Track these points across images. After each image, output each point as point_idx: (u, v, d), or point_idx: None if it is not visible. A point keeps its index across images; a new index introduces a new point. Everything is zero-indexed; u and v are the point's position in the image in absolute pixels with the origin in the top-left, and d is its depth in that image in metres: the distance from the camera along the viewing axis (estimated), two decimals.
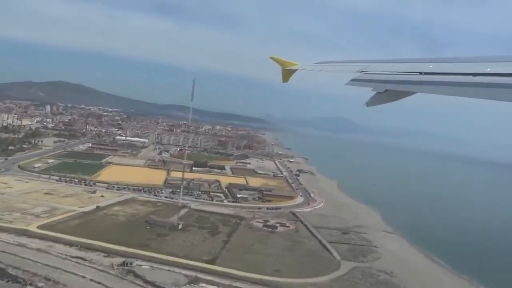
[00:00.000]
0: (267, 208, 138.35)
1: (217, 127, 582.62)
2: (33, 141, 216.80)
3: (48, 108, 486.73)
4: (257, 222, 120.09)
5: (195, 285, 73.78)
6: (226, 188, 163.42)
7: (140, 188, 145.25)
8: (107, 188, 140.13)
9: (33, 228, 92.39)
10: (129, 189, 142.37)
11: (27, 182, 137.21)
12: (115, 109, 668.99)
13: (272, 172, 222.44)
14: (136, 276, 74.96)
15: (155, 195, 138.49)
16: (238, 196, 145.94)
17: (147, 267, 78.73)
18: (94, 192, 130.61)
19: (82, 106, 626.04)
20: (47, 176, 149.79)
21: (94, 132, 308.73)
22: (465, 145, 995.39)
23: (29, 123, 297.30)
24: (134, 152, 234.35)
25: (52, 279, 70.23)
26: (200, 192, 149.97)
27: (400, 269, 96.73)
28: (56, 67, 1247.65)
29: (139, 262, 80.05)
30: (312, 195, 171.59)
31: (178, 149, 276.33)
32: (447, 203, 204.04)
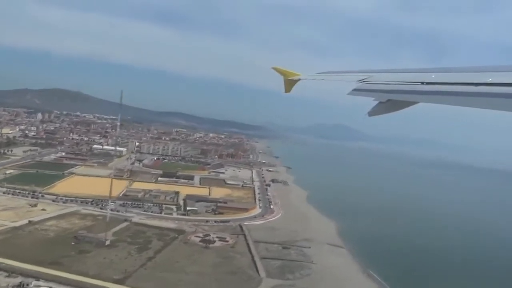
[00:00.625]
0: (215, 221, 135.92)
1: (211, 134, 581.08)
2: (1, 151, 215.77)
3: (39, 115, 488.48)
4: (196, 236, 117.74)
5: None
6: (183, 199, 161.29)
7: (90, 200, 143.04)
8: (53, 201, 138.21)
9: None
10: (77, 201, 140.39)
11: None
12: (111, 116, 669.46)
13: (243, 182, 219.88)
14: None
15: (101, 208, 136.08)
16: (188, 208, 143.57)
17: None
18: (35, 205, 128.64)
19: (78, 113, 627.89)
20: None
21: (75, 141, 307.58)
22: (463, 152, 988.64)
23: (10, 132, 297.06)
24: (106, 161, 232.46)
25: None
26: (152, 204, 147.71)
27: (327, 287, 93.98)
28: (55, 75, 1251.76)
29: (40, 282, 77.96)
30: (272, 206, 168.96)
31: (155, 158, 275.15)
32: (427, 218, 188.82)
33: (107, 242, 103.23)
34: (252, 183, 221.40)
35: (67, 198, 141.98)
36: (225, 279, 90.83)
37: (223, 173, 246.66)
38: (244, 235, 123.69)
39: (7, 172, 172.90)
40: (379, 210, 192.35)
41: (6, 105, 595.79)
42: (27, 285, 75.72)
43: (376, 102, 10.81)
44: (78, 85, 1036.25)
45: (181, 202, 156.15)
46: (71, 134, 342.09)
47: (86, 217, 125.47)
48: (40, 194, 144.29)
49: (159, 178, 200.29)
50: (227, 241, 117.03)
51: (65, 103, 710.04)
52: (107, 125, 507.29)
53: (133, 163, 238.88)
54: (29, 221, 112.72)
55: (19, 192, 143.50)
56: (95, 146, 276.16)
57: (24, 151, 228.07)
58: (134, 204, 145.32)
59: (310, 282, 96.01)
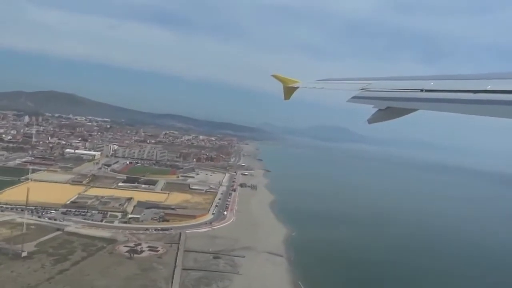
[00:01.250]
0: (155, 230, 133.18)
1: (201, 137, 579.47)
2: None
3: (26, 118, 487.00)
4: (125, 246, 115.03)
5: None
6: (134, 206, 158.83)
7: (32, 208, 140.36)
8: None
9: None
10: (17, 209, 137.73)
11: None
12: (105, 119, 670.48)
13: (209, 187, 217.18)
14: None
15: (39, 217, 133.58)
16: (130, 216, 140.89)
17: None
18: None
19: (70, 116, 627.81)
20: None
21: (51, 145, 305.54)
22: (463, 154, 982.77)
23: None
24: (74, 166, 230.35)
25: None
26: (97, 212, 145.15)
27: None
28: (51, 77, 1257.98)
29: None
30: (225, 213, 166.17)
31: (128, 162, 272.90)
32: (394, 231, 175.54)
33: (24, 254, 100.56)
34: (219, 188, 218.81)
35: (7, 205, 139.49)
36: None
37: (193, 177, 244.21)
38: (178, 244, 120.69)
39: None
40: (345, 218, 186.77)
41: None
42: None
43: (376, 109, 10.86)
44: (74, 87, 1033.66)
45: (129, 209, 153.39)
46: (49, 138, 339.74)
47: (17, 226, 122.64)
48: None
49: (119, 184, 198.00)
50: (157, 251, 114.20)
51: (59, 106, 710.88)
52: (95, 127, 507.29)
53: (100, 168, 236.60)
54: None
55: None
56: (67, 150, 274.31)
57: None
58: (77, 212, 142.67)
59: None
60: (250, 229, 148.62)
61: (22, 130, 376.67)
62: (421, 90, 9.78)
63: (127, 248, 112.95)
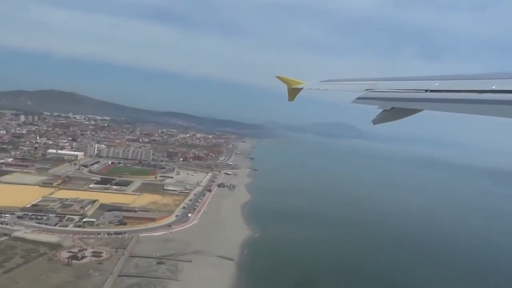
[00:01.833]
0: (108, 234, 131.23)
1: (198, 135, 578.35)
2: None
3: (22, 118, 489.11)
4: (68, 252, 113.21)
5: None
6: (96, 209, 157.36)
7: None
8: None
9: None
10: None
11: None
12: (104, 117, 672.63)
13: (184, 187, 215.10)
14: None
15: None
16: (84, 220, 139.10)
17: None
18: None
19: (70, 115, 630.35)
20: None
21: (37, 145, 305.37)
22: (469, 151, 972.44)
23: None
24: (52, 167, 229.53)
25: None
26: (54, 215, 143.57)
27: None
28: (53, 76, 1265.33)
29: None
30: (190, 215, 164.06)
31: (109, 163, 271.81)
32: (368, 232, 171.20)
33: None
34: (194, 188, 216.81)
35: None
36: None
37: (171, 177, 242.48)
38: (125, 249, 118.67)
39: None
40: (320, 219, 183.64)
41: None
42: None
43: (380, 110, 10.83)
44: (75, 86, 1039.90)
45: (90, 212, 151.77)
46: (38, 138, 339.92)
47: None
48: None
49: (90, 185, 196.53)
50: (100, 257, 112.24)
51: (59, 105, 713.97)
52: (90, 126, 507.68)
53: (77, 169, 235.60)
54: None
55: None
56: (49, 150, 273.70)
57: None
58: (34, 215, 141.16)
59: None
60: (210, 231, 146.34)
61: (13, 130, 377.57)
62: (426, 91, 9.81)
63: (68, 254, 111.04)
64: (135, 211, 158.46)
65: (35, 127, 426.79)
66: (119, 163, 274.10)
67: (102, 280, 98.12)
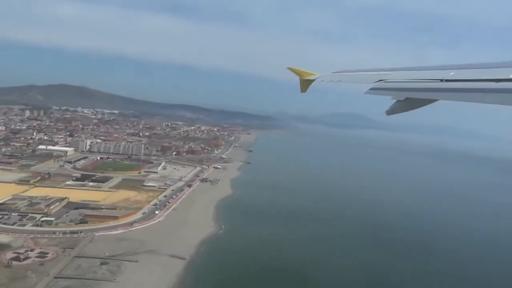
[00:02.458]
0: (63, 233, 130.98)
1: (203, 127, 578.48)
2: None
3: (27, 113, 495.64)
4: (14, 252, 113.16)
5: None
6: (62, 207, 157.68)
7: None
8: None
9: None
10: None
11: None
12: (113, 111, 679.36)
13: (165, 183, 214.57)
14: None
15: None
16: (42, 219, 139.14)
17: None
18: None
19: (78, 109, 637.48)
20: None
21: (31, 141, 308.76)
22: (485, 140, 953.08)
23: None
24: (35, 163, 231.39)
25: None
26: (16, 214, 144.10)
27: None
28: (64, 70, 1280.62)
29: None
30: (157, 212, 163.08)
31: (97, 158, 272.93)
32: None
33: None
34: (175, 184, 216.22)
35: None
36: None
37: (155, 172, 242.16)
38: (73, 249, 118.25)
39: None
40: (299, 215, 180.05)
41: (6, 102, 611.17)
42: None
43: (394, 100, 10.78)
44: (85, 80, 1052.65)
45: (55, 210, 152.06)
46: (34, 133, 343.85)
47: None
48: None
49: (67, 182, 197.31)
50: (45, 257, 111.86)
51: (68, 99, 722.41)
52: (94, 121, 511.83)
53: (62, 165, 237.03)
54: None
55: None
56: (39, 147, 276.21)
57: None
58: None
59: None
60: (172, 229, 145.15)
61: (13, 126, 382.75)
62: (441, 80, 9.62)
63: (14, 255, 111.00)
64: (102, 208, 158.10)
65: (37, 122, 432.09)
66: (108, 158, 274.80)
67: (35, 282, 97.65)
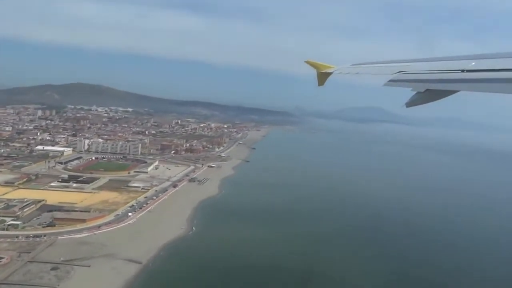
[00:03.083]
0: (26, 237, 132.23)
1: (213, 125, 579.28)
2: None
3: (39, 112, 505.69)
4: None
5: None
6: (35, 210, 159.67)
7: None
8: None
9: None
10: None
11: None
12: (127, 109, 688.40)
13: (151, 183, 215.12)
14: None
15: None
16: (9, 223, 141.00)
17: None
18: None
19: (92, 107, 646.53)
20: None
21: (33, 141, 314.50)
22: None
23: None
24: (27, 164, 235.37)
25: None
26: None
27: None
28: (80, 69, 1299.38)
29: None
30: (130, 214, 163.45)
31: (93, 158, 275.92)
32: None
33: None
34: (161, 184, 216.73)
35: None
36: None
37: (145, 172, 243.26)
38: (29, 253, 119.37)
39: None
40: (283, 216, 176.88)
41: (23, 102, 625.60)
42: None
43: (414, 92, 10.61)
44: (102, 78, 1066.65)
45: (27, 213, 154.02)
46: (38, 133, 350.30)
47: None
48: None
49: (52, 184, 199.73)
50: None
51: (84, 97, 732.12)
52: (104, 119, 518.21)
53: (53, 166, 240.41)
54: None
55: None
56: (37, 147, 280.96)
57: None
58: None
59: None
60: (139, 232, 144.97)
61: (20, 126, 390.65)
62: (462, 71, 9.50)
63: None
64: (74, 211, 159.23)
65: (46, 122, 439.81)
66: (103, 158, 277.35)
67: None
